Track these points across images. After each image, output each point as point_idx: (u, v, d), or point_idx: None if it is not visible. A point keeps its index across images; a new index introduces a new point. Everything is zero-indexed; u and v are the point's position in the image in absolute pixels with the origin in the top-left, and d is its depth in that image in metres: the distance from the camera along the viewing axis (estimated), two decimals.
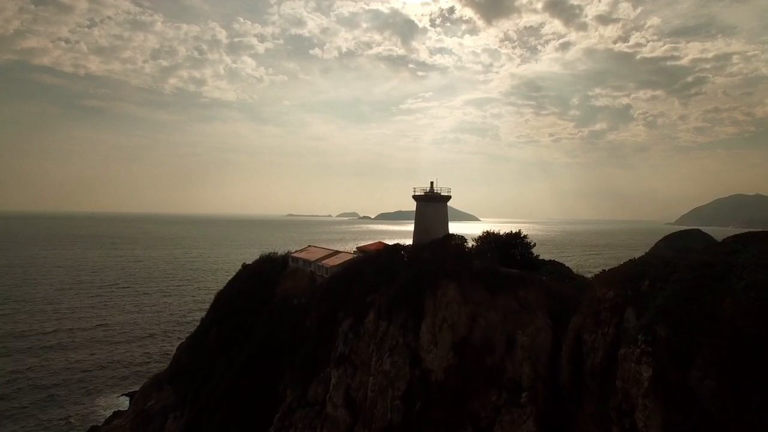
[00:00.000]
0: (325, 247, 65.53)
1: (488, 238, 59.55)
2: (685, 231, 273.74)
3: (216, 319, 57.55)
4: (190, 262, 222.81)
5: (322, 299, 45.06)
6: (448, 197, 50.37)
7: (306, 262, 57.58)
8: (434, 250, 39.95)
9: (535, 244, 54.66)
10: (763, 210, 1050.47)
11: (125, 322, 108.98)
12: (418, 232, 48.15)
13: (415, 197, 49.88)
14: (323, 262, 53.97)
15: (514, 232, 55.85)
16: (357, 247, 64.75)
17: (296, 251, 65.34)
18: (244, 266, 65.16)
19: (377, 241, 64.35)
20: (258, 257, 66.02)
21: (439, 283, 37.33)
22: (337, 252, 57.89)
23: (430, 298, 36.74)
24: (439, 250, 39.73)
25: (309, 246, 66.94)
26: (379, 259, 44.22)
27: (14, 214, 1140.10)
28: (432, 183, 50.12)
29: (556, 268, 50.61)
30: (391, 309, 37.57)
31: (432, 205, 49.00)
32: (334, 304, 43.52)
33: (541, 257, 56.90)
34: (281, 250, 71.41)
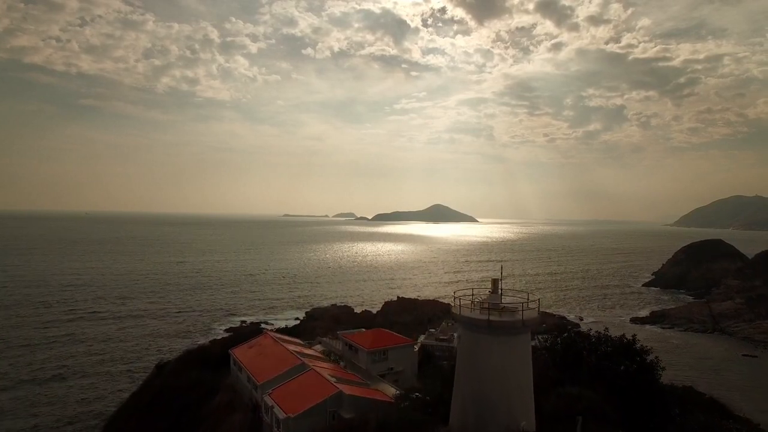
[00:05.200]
0: (289, 339, 40.23)
1: (570, 344, 34.66)
2: (707, 241, 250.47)
3: None
4: (176, 274, 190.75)
5: None
6: (536, 322, 20.55)
7: (251, 380, 33.14)
8: None
9: (658, 360, 30.21)
10: (762, 211, 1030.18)
11: (65, 378, 72.61)
12: (465, 403, 20.28)
13: (457, 319, 21.62)
14: (274, 396, 29.32)
15: (624, 339, 31.21)
16: (340, 334, 40.39)
17: (243, 342, 40.53)
18: (159, 370, 40.27)
19: (375, 329, 39.93)
20: (184, 351, 41.31)
21: None
22: (303, 364, 33.26)
23: None
24: None
25: (266, 332, 42.36)
26: None
27: (10, 213, 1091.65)
28: (496, 282, 21.47)
29: (713, 425, 25.86)
30: None
31: (498, 343, 19.80)
32: None
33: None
34: (224, 327, 47.12)
